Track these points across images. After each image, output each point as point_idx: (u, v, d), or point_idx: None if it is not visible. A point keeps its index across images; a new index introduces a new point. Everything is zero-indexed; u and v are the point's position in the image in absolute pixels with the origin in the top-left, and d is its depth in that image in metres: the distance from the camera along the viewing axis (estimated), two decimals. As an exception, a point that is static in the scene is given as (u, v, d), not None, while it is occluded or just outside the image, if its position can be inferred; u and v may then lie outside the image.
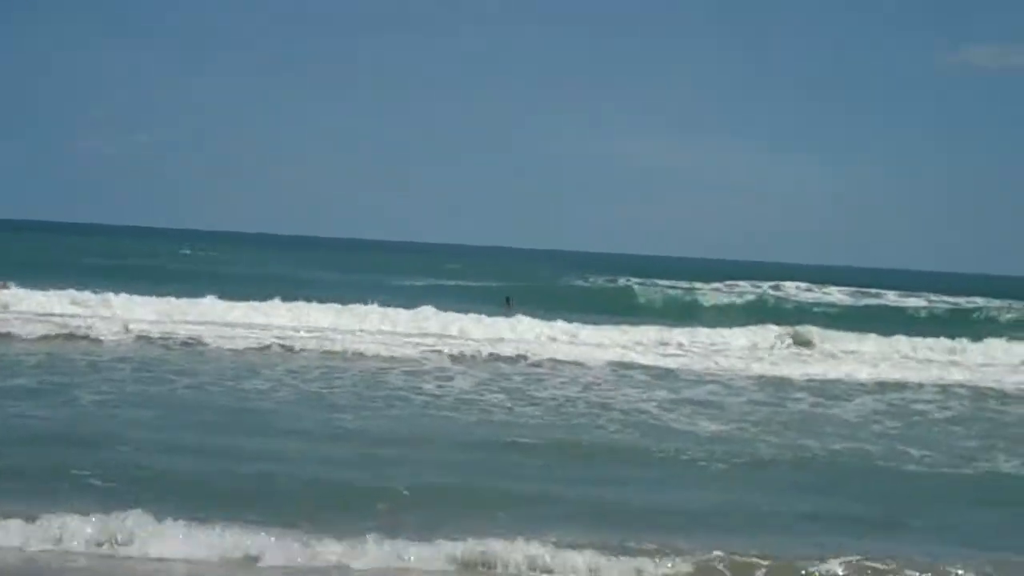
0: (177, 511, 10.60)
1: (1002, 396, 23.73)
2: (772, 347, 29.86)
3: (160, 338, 24.87)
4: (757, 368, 25.20)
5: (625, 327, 31.47)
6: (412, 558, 10.14)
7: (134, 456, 13.34)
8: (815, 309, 45.94)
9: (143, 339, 24.71)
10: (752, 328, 31.77)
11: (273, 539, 10.20)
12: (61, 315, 28.02)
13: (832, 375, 24.89)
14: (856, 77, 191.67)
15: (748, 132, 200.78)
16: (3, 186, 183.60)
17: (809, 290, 51.74)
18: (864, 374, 25.12)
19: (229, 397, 18.31)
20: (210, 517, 10.61)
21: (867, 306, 47.85)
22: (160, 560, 9.91)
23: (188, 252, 74.55)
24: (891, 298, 50.00)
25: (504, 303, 47.28)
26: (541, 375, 22.96)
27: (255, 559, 10.02)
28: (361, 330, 28.82)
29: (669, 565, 10.30)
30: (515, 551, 10.29)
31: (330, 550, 10.16)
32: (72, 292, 30.90)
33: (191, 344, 24.45)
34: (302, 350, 24.38)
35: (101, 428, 14.95)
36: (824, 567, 10.45)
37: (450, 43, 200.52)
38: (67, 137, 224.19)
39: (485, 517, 11.41)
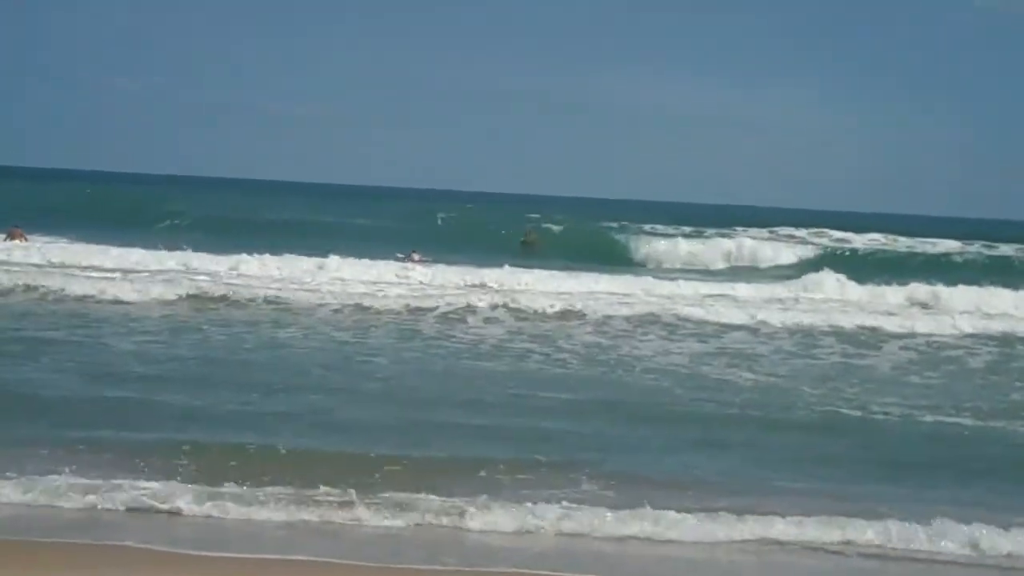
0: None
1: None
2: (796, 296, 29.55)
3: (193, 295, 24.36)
4: (791, 318, 24.75)
5: (656, 279, 31.21)
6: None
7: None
8: (858, 254, 45.19)
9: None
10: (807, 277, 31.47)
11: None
12: (84, 268, 27.86)
13: (866, 322, 24.51)
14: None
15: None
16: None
17: (844, 238, 50.31)
18: (909, 324, 24.67)
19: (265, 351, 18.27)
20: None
21: (911, 253, 46.85)
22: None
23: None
24: (924, 245, 48.98)
25: (524, 239, 46.88)
26: (567, 326, 22.73)
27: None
28: (385, 280, 28.58)
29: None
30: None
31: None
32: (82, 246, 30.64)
33: (221, 298, 24.07)
34: (320, 304, 23.84)
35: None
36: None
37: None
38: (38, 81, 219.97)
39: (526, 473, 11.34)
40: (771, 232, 51.70)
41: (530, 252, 43.60)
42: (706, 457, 12.75)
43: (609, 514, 10.34)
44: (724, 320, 23.93)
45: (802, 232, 52.12)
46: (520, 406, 14.84)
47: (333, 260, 30.03)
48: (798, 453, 13.17)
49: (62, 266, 28.28)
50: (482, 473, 11.42)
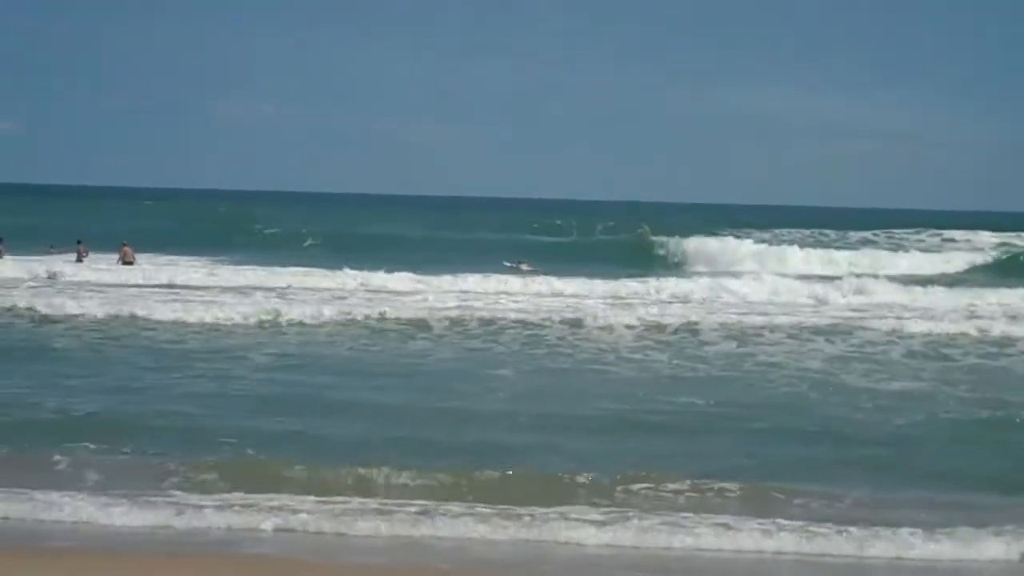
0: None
1: None
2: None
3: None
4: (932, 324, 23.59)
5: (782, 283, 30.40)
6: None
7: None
8: None
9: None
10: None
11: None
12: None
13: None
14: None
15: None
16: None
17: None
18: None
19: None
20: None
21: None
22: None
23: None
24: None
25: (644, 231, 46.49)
26: (694, 333, 21.99)
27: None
28: (503, 291, 28.32)
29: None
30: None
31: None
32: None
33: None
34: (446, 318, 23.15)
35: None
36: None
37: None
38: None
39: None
40: (892, 233, 49.92)
41: (646, 248, 43.35)
42: (851, 470, 12.25)
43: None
44: (860, 324, 22.95)
45: (925, 233, 50.11)
46: (652, 418, 14.52)
47: (454, 276, 29.69)
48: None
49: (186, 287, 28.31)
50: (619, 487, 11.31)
